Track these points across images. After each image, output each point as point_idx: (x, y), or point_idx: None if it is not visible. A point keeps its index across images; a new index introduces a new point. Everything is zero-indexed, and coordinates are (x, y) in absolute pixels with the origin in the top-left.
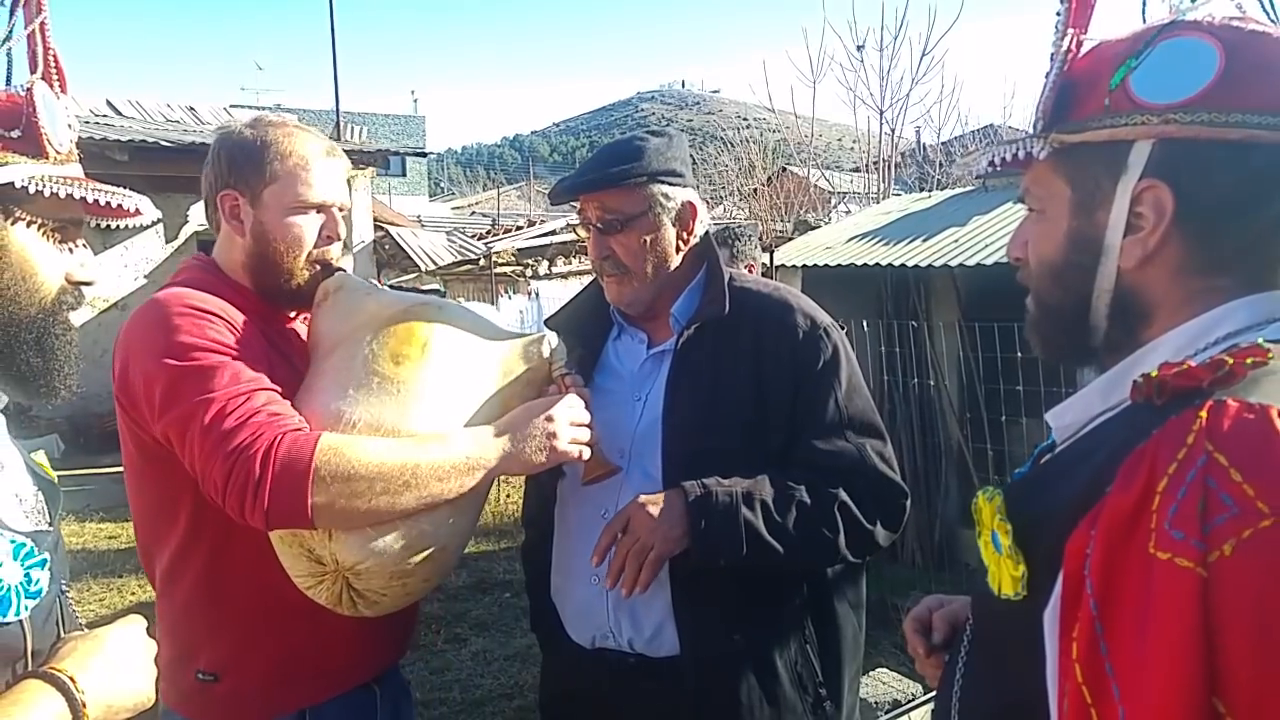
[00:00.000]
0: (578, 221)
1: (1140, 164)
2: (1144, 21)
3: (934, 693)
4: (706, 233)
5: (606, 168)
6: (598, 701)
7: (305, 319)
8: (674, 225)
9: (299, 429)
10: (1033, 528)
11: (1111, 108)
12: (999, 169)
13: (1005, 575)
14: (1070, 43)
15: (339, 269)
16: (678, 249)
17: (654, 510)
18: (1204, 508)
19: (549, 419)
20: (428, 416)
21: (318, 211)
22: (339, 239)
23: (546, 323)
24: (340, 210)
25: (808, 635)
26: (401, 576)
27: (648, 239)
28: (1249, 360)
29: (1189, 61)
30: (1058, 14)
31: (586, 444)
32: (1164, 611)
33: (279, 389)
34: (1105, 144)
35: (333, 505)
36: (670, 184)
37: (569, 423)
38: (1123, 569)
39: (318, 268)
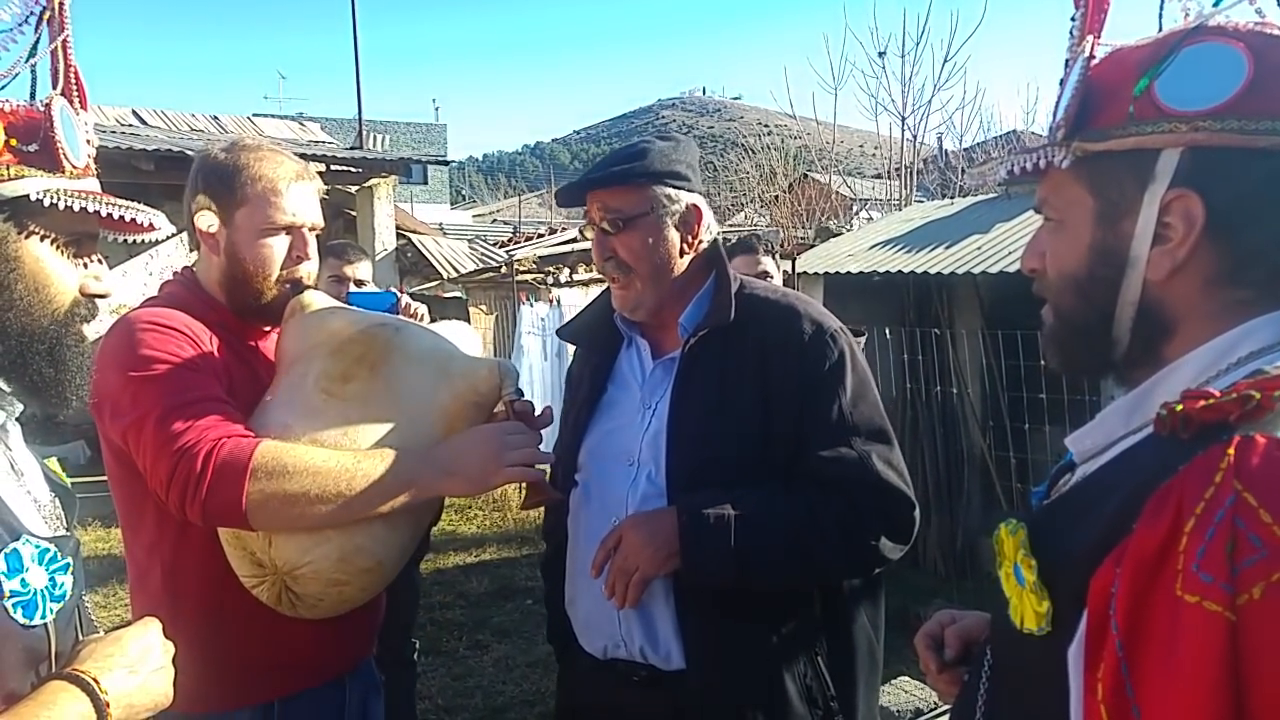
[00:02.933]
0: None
1: (1169, 173)
2: (1160, 28)
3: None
4: (715, 241)
5: (610, 168)
6: (609, 713)
7: (277, 333)
8: (677, 228)
9: (244, 435)
10: (1057, 563)
11: (1136, 115)
12: (1018, 178)
13: (1028, 609)
14: (1089, 49)
15: (308, 287)
16: (682, 252)
17: (644, 531)
18: (1232, 549)
19: (490, 444)
20: (370, 435)
21: (287, 233)
22: (309, 258)
23: (558, 333)
24: (311, 230)
25: (818, 648)
26: (337, 584)
27: (650, 239)
28: (1277, 393)
29: (1217, 67)
30: (1072, 19)
31: (529, 468)
32: (1191, 656)
33: (232, 401)
34: (1130, 152)
35: (266, 505)
36: (674, 186)
37: (511, 448)
38: (1149, 610)
39: (287, 286)
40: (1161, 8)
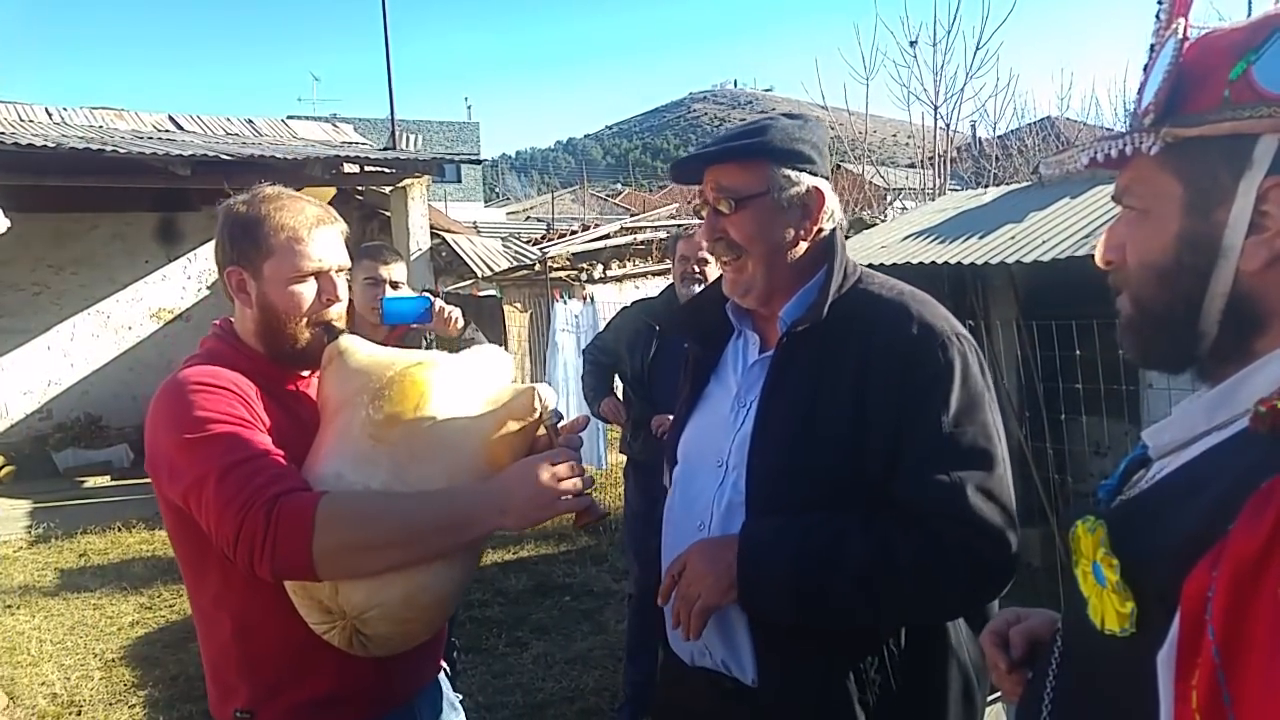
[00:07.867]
0: (690, 204)
1: (1267, 159)
2: (1249, 11)
3: (999, 693)
4: (834, 230)
5: (729, 142)
6: (698, 717)
7: (318, 377)
8: (794, 210)
9: (303, 489)
10: (1141, 563)
11: (1232, 99)
12: (1101, 166)
13: (1110, 610)
14: (1181, 31)
15: (342, 331)
16: (798, 239)
17: (706, 559)
18: None
19: (542, 477)
20: (423, 476)
21: (314, 278)
22: (339, 300)
23: (671, 319)
24: (338, 272)
25: (896, 675)
26: (404, 622)
27: (763, 221)
28: None
29: None
30: (1160, 1)
31: (575, 494)
32: None
33: (284, 454)
34: (1225, 139)
35: (332, 556)
36: (795, 167)
37: (560, 478)
38: (1249, 616)
39: (319, 329)
40: None
